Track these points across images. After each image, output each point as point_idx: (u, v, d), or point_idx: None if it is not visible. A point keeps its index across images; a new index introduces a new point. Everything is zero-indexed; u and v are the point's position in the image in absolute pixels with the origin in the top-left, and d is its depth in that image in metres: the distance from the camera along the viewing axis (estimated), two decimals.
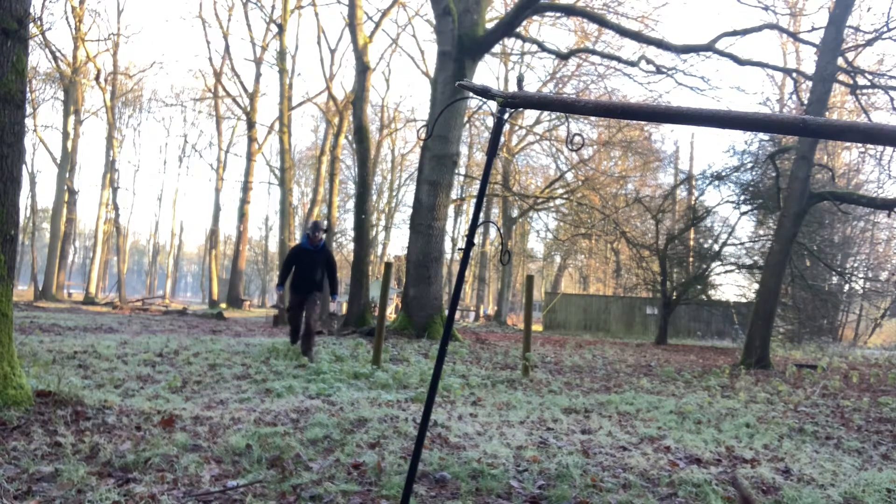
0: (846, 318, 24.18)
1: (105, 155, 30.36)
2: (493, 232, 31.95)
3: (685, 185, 23.48)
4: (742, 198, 17.76)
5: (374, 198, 35.16)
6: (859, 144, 14.38)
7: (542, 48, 15.55)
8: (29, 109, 26.79)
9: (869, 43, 11.66)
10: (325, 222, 23.38)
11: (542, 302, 27.84)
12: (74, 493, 2.38)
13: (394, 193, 37.74)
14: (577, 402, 5.38)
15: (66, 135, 27.48)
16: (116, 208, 27.54)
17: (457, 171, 14.44)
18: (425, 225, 11.87)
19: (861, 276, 23.49)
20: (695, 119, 2.01)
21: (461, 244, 32.07)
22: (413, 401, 4.94)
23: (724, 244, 18.97)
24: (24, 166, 3.68)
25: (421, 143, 13.21)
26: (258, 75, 29.57)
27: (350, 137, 27.09)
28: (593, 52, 17.54)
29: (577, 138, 2.27)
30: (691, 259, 20.02)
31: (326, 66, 38.50)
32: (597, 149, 23.53)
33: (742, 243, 19.82)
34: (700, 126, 2.03)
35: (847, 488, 3.06)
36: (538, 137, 26.10)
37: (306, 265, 7.44)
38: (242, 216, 30.81)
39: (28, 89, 4.49)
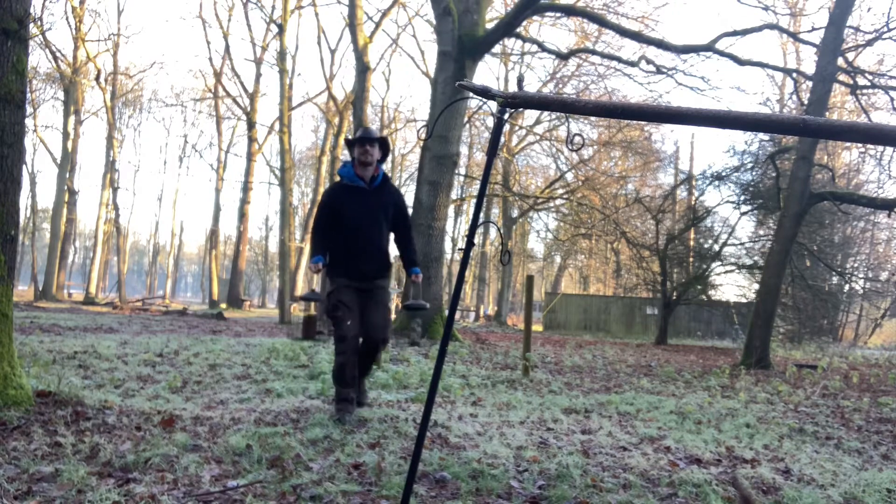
0: (846, 319, 24.18)
1: (105, 155, 30.39)
2: (493, 232, 31.96)
3: (685, 185, 23.48)
4: (742, 198, 17.77)
5: None
6: (859, 144, 14.39)
7: (542, 48, 15.55)
8: (29, 110, 26.82)
9: (869, 43, 11.66)
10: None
11: (542, 302, 27.84)
12: (74, 494, 2.38)
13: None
14: (577, 402, 5.38)
15: (66, 135, 27.49)
16: (116, 208, 27.53)
17: (457, 171, 14.44)
18: (425, 225, 11.87)
19: (861, 276, 23.51)
20: (695, 119, 2.01)
21: (461, 244, 32.08)
22: (413, 401, 4.94)
23: (724, 244, 18.98)
24: (24, 166, 3.68)
25: (421, 143, 12.95)
26: (258, 75, 29.59)
27: (350, 138, 27.08)
28: (593, 53, 17.55)
29: (577, 138, 2.27)
30: (691, 259, 20.02)
31: (326, 66, 38.53)
32: (597, 149, 23.53)
33: (742, 243, 19.84)
34: (700, 126, 2.03)
35: (847, 488, 3.06)
36: (538, 137, 26.10)
37: (359, 218, 4.08)
38: (242, 216, 30.82)
39: (28, 89, 4.49)
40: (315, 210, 4.40)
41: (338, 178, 4.29)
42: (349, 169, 4.18)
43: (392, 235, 4.35)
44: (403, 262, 4.34)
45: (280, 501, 2.46)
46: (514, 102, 2.15)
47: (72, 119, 27.62)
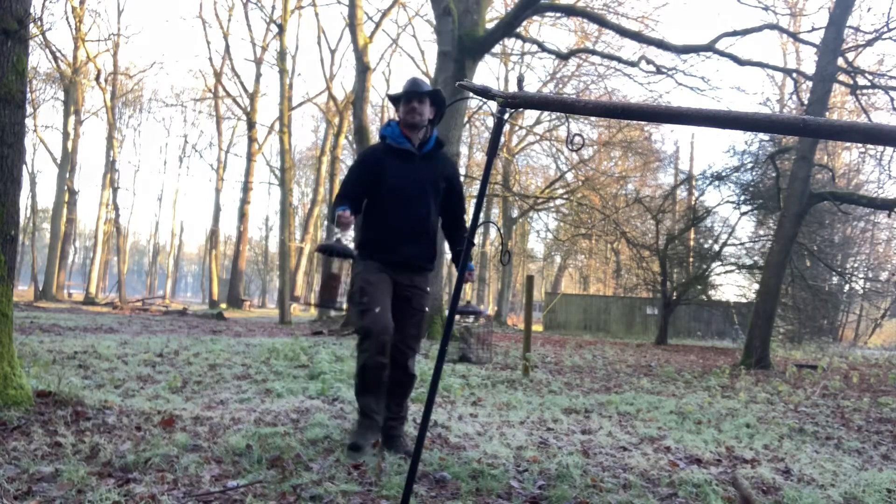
0: (846, 319, 24.19)
1: (105, 155, 30.39)
2: (493, 232, 31.96)
3: (685, 185, 23.49)
4: (742, 198, 17.77)
5: None
6: (859, 144, 14.38)
7: (542, 48, 15.55)
8: (29, 110, 26.83)
9: (869, 43, 11.66)
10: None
11: (542, 302, 27.84)
12: (74, 494, 2.38)
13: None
14: (577, 402, 5.38)
15: (66, 135, 27.50)
16: (116, 208, 27.54)
17: None
18: None
19: (861, 276, 23.51)
20: (695, 119, 2.01)
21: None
22: (413, 401, 4.94)
23: (725, 244, 18.99)
24: (24, 166, 3.68)
25: None
26: (258, 75, 29.58)
27: (350, 138, 27.09)
28: (593, 53, 17.54)
29: (577, 138, 2.27)
30: (691, 259, 20.03)
31: (326, 66, 38.53)
32: (597, 149, 23.53)
33: (742, 243, 19.85)
34: (700, 126, 2.03)
35: (847, 488, 3.06)
36: (538, 137, 26.09)
37: (404, 188, 3.21)
38: (242, 216, 30.83)
39: (28, 89, 4.49)
40: (354, 163, 3.40)
41: (379, 140, 3.39)
42: (395, 128, 3.29)
43: (440, 218, 3.40)
44: (454, 254, 3.42)
45: (280, 501, 2.46)
46: (514, 102, 2.15)
47: (72, 119, 27.63)
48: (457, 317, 3.07)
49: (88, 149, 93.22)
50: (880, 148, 12.55)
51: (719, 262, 19.28)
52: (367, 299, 3.08)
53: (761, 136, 15.84)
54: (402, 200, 3.19)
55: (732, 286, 48.87)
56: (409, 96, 3.22)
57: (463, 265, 2.40)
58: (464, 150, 26.37)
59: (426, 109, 3.24)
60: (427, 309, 3.28)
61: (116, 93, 30.48)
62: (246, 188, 30.53)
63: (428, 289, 3.31)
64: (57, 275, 27.06)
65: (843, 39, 10.84)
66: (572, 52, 17.13)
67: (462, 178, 26.17)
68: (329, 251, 2.74)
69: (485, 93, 2.19)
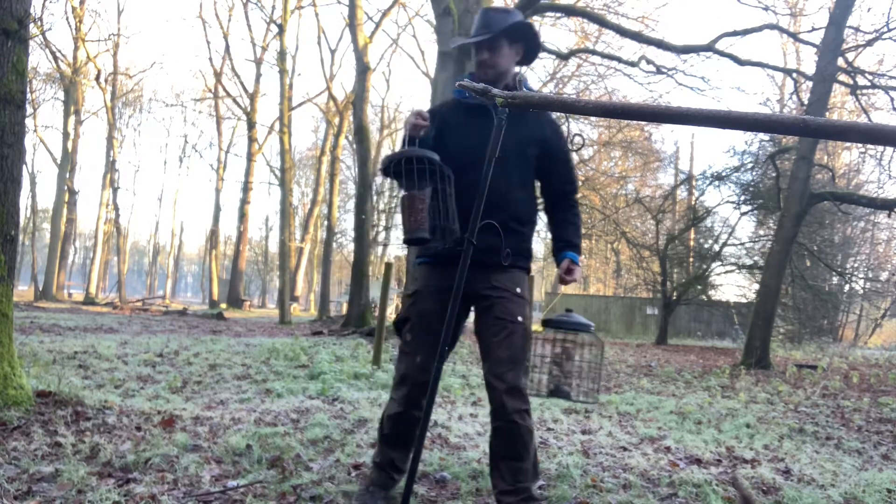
0: (846, 319, 24.17)
1: (105, 155, 30.39)
2: None
3: (685, 186, 23.49)
4: (742, 198, 17.78)
5: (375, 198, 35.11)
6: (859, 144, 14.38)
7: (543, 48, 15.52)
8: (29, 110, 26.83)
9: (869, 43, 11.66)
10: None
11: (542, 302, 27.84)
12: (74, 494, 2.38)
13: (394, 193, 37.74)
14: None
15: (66, 135, 27.50)
16: (116, 208, 27.55)
17: None
18: None
19: (861, 276, 23.50)
20: (695, 119, 2.00)
21: None
22: None
23: (725, 244, 19.00)
24: (24, 166, 3.68)
25: None
26: (258, 75, 29.57)
27: (350, 138, 27.11)
28: (593, 53, 17.53)
29: (577, 138, 2.27)
30: (691, 259, 20.03)
31: (326, 66, 38.56)
32: (597, 149, 23.50)
33: (742, 243, 19.85)
34: (700, 126, 2.03)
35: (847, 488, 3.06)
36: None
37: (470, 152, 2.29)
38: (242, 216, 30.82)
39: (28, 89, 4.49)
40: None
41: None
42: (470, 79, 2.33)
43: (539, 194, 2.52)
44: (553, 239, 2.53)
45: (280, 501, 2.46)
46: (514, 102, 2.15)
47: (72, 119, 27.63)
48: (550, 334, 2.36)
49: (88, 149, 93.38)
50: (880, 148, 12.55)
51: (719, 262, 19.29)
52: (410, 338, 2.40)
53: (761, 136, 15.85)
54: (469, 171, 2.23)
55: (732, 286, 48.82)
56: (478, 47, 2.38)
57: (463, 266, 2.28)
58: None
59: (502, 58, 2.39)
60: (522, 319, 2.34)
61: (116, 93, 30.48)
62: (246, 188, 30.53)
63: (520, 291, 2.36)
64: (57, 275, 27.06)
65: (843, 39, 10.84)
66: (572, 52, 17.12)
67: None
68: (399, 159, 1.96)
69: (485, 93, 2.19)
